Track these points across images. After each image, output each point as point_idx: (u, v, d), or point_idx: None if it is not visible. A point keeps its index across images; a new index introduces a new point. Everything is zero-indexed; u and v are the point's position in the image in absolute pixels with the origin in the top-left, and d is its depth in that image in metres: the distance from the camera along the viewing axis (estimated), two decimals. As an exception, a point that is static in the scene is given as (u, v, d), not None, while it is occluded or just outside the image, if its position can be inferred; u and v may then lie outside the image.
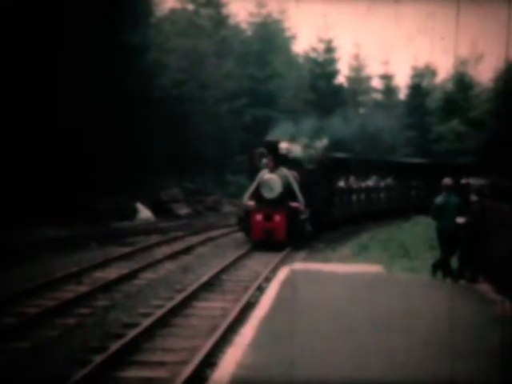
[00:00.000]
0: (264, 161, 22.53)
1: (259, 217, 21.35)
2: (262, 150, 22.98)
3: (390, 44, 76.36)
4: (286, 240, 21.15)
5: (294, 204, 21.72)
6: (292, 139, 24.32)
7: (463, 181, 39.15)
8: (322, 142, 25.00)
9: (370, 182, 32.75)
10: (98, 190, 27.96)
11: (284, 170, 22.21)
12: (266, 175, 21.95)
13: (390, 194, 35.01)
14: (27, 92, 24.43)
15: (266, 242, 20.91)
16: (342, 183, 28.61)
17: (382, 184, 34.37)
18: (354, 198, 30.15)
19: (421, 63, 56.14)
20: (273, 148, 22.85)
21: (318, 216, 23.42)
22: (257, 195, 21.86)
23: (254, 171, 22.73)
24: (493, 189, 15.36)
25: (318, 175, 23.90)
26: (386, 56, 68.27)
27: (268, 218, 21.30)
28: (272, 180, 21.76)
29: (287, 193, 21.74)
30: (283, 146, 23.57)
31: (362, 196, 31.17)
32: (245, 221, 22.05)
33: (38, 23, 24.78)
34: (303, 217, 21.88)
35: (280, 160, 22.39)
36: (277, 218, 21.24)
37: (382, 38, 79.82)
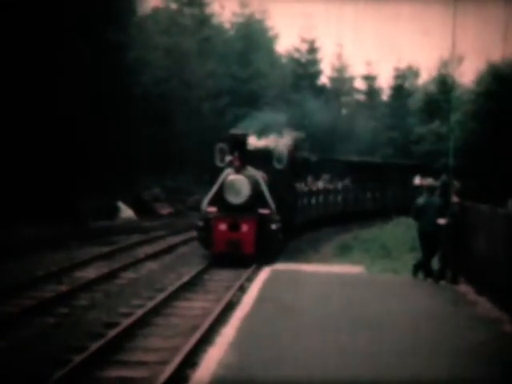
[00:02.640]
0: (227, 158, 19.41)
1: (223, 226, 17.80)
2: (223, 145, 19.83)
3: (374, 44, 76.64)
4: (255, 253, 17.79)
5: (264, 210, 18.44)
6: (259, 133, 21.52)
7: (417, 181, 39.36)
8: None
9: (322, 183, 29.93)
10: (79, 189, 27.82)
11: (252, 170, 18.84)
12: (230, 176, 18.40)
13: (348, 196, 32.87)
14: (7, 91, 24.28)
15: (230, 257, 17.60)
16: (302, 184, 25.67)
17: (340, 185, 32.29)
18: (314, 202, 27.10)
19: (403, 64, 56.39)
20: (240, 143, 19.01)
21: (286, 223, 19.98)
22: (219, 200, 18.43)
23: (214, 171, 19.54)
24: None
25: (287, 176, 20.73)
26: (368, 57, 68.67)
27: (234, 227, 17.80)
28: (239, 181, 18.24)
29: (256, 197, 18.43)
30: (252, 141, 20.54)
31: (321, 199, 28.42)
32: (204, 230, 18.42)
33: (22, 23, 24.63)
34: (274, 226, 18.51)
35: (247, 157, 18.85)
36: (244, 227, 17.80)
37: (366, 39, 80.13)
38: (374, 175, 36.99)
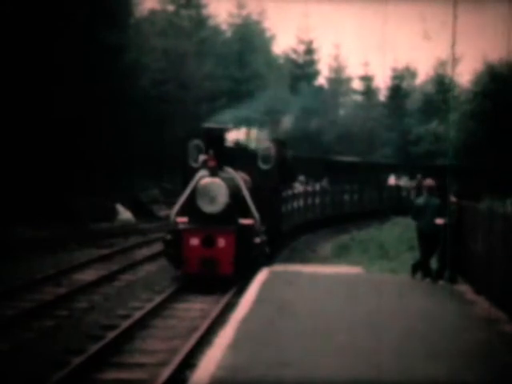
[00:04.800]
0: (202, 158, 16.30)
1: (195, 241, 14.57)
2: (198, 142, 16.82)
3: (371, 45, 76.53)
4: (234, 274, 14.69)
5: (245, 221, 15.25)
6: (240, 127, 18.52)
7: (392, 181, 39.19)
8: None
9: (299, 185, 27.03)
10: (77, 191, 27.81)
11: (231, 172, 15.61)
12: (205, 179, 15.08)
13: (325, 199, 30.78)
14: (4, 93, 24.29)
15: (204, 278, 14.62)
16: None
17: (317, 187, 30.17)
18: (295, 206, 23.99)
19: (401, 64, 56.38)
20: (216, 139, 15.57)
21: (272, 233, 17.05)
22: (192, 208, 15.11)
23: (188, 173, 16.28)
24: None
25: (275, 178, 17.62)
26: (366, 57, 68.65)
27: (208, 242, 14.56)
28: (214, 186, 14.90)
29: (236, 205, 15.18)
30: (231, 136, 17.59)
31: (301, 202, 25.70)
32: (173, 246, 15.05)
33: (20, 24, 24.64)
34: (258, 239, 15.34)
35: (226, 157, 15.59)
36: (221, 242, 14.57)
37: (364, 39, 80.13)
38: (353, 175, 35.44)
